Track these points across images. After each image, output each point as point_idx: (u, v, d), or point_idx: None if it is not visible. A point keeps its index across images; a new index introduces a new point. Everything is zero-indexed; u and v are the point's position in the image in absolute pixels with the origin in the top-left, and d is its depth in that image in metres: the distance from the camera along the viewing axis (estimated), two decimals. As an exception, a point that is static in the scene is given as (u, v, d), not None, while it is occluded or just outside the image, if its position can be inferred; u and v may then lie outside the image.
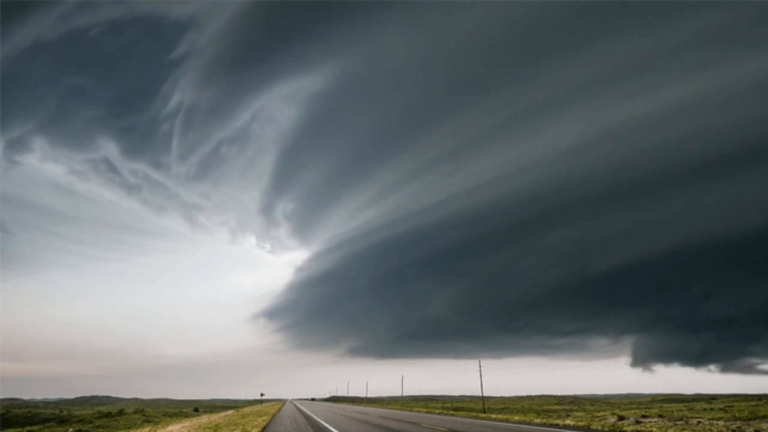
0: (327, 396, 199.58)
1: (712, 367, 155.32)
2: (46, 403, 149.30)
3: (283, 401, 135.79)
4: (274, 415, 32.52)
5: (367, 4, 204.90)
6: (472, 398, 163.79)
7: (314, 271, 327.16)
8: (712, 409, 45.76)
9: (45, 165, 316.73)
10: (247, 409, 56.02)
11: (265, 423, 22.92)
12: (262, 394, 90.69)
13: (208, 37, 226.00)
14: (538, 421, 24.53)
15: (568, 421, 24.13)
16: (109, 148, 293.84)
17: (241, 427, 19.54)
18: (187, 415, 68.21)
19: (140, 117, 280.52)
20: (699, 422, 23.74)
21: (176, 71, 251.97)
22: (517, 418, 27.96)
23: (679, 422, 23.84)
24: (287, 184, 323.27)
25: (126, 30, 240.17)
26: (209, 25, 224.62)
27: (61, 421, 60.47)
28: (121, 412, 67.55)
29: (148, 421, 53.31)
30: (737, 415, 30.89)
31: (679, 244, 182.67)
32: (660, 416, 31.83)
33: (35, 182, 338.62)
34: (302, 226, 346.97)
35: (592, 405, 75.80)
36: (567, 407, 66.09)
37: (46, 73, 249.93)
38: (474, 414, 37.46)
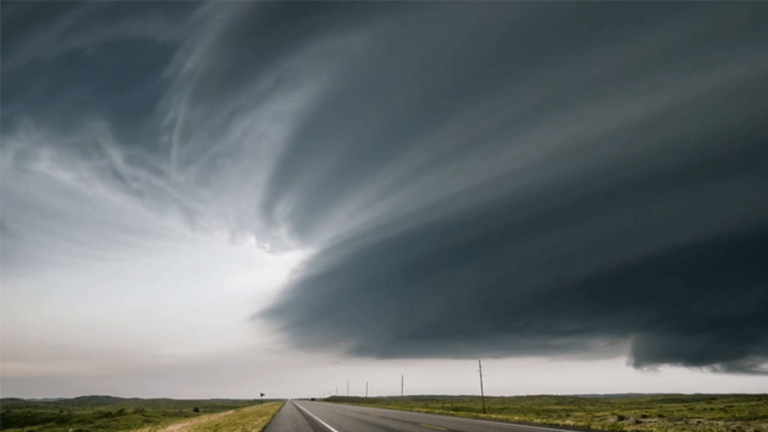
0: (327, 396, 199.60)
1: (711, 367, 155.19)
2: (46, 403, 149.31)
3: (283, 401, 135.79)
4: (274, 415, 32.52)
5: (369, 3, 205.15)
6: (472, 398, 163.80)
7: (314, 271, 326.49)
8: (712, 409, 45.78)
9: (54, 172, 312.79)
10: (247, 409, 56.03)
11: (265, 423, 22.93)
12: (262, 394, 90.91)
13: (195, 59, 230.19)
14: (538, 421, 24.53)
15: (568, 421, 24.13)
16: (113, 156, 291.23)
17: (241, 427, 19.55)
18: (187, 415, 68.20)
19: (140, 129, 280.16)
20: (699, 422, 23.75)
21: (169, 88, 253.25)
22: (517, 418, 27.96)
23: (679, 422, 23.85)
24: (288, 184, 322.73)
25: (118, 50, 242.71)
26: (194, 48, 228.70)
27: (61, 421, 60.47)
28: (121, 412, 67.55)
29: (148, 421, 53.30)
30: (737, 415, 30.91)
31: (678, 244, 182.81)
32: (660, 416, 31.83)
33: (42, 187, 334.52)
34: (302, 226, 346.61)
35: (592, 405, 75.80)
36: (567, 407, 66.09)
37: (48, 88, 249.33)
38: (474, 414, 37.46)
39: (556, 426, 20.26)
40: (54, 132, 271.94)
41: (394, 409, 53.78)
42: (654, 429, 18.04)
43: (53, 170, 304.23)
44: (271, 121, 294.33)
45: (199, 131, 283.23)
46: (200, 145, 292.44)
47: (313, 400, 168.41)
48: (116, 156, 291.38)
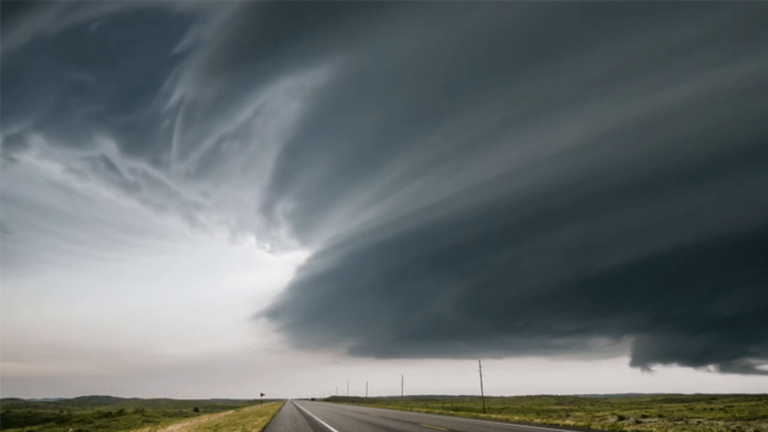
0: (327, 396, 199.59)
1: (711, 367, 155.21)
2: (46, 403, 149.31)
3: (283, 401, 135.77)
4: (274, 415, 32.52)
5: (369, 2, 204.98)
6: (472, 398, 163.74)
7: (314, 270, 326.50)
8: (712, 409, 45.78)
9: (43, 163, 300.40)
10: (247, 409, 56.03)
11: (265, 423, 22.93)
12: (262, 394, 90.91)
13: (213, 31, 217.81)
14: (538, 421, 24.52)
15: (568, 421, 24.12)
16: (108, 145, 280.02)
17: (241, 427, 19.55)
18: (187, 415, 68.18)
19: (141, 113, 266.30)
20: (699, 422, 23.75)
21: (179, 66, 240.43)
22: (517, 418, 27.96)
23: (679, 422, 23.85)
24: (288, 183, 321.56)
25: (129, 24, 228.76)
26: (214, 18, 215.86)
27: (61, 421, 60.47)
28: (121, 412, 67.54)
29: (148, 421, 53.29)
30: (737, 415, 30.91)
31: (680, 244, 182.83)
32: (660, 416, 31.83)
33: (33, 180, 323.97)
34: (302, 225, 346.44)
35: (592, 405, 75.78)
36: (567, 407, 66.08)
37: (45, 69, 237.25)
38: (474, 414, 37.45)
39: (556, 426, 20.26)
40: (45, 118, 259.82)
41: (394, 409, 53.77)
42: (654, 429, 18.03)
43: (42, 160, 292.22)
44: (282, 100, 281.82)
45: (206, 112, 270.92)
46: (205, 128, 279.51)
47: (313, 400, 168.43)
48: (111, 145, 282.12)
